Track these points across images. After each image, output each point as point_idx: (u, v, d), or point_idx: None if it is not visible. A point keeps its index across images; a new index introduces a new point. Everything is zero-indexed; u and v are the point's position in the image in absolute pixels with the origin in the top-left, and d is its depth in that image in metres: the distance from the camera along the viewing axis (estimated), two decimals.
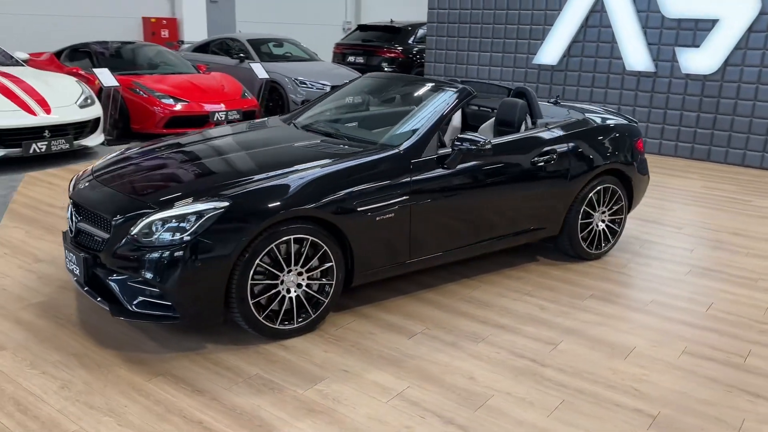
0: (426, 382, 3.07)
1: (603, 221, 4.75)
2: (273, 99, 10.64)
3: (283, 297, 3.33)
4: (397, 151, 3.75)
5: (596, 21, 9.19)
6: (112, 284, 3.19)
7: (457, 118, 4.82)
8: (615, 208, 4.76)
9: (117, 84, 8.34)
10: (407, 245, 3.74)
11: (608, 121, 4.83)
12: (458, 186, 3.89)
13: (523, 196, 4.23)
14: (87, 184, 3.64)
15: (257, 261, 3.15)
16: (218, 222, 3.08)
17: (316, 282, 3.42)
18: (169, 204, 3.18)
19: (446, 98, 4.14)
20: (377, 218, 3.54)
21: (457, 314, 3.82)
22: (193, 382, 3.00)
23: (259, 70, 10.41)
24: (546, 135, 4.39)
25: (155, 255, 3.04)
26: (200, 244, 3.04)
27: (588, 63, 9.40)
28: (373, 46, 13.08)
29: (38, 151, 6.85)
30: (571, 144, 4.44)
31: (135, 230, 3.12)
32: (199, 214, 3.09)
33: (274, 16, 17.16)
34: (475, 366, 3.24)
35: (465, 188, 3.93)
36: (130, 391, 2.90)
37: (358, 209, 3.46)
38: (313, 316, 3.44)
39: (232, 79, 9.72)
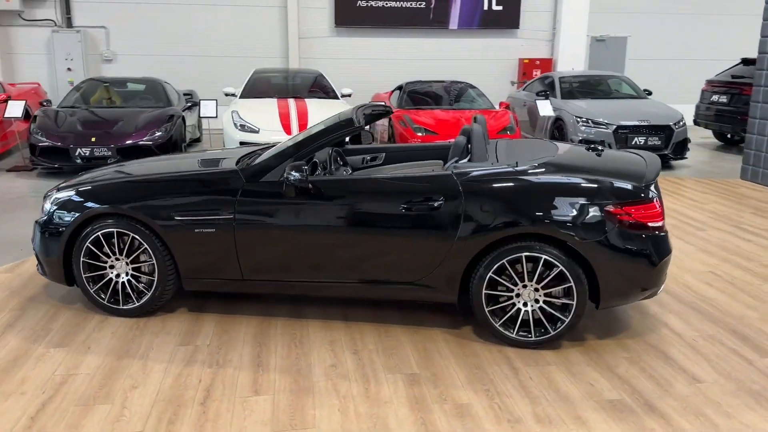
0: None
1: (536, 300, 3.67)
2: (561, 137, 10.27)
3: (119, 282, 4.07)
4: (234, 170, 3.97)
5: None
6: None
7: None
8: (560, 287, 3.62)
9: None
10: (236, 263, 3.92)
11: (565, 178, 3.67)
12: (297, 215, 3.82)
13: (384, 242, 3.76)
14: None
15: (87, 244, 4.00)
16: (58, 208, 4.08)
17: (143, 275, 4.03)
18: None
19: (324, 127, 4.04)
20: (195, 230, 3.90)
21: None
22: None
23: (544, 107, 10.24)
24: (439, 180, 3.74)
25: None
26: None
27: None
28: (744, 84, 10.92)
29: None
30: (470, 194, 3.65)
31: None
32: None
33: (665, 52, 15.69)
34: None
35: (307, 219, 3.81)
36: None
37: (176, 217, 3.90)
38: (143, 300, 4.05)
39: (508, 116, 9.89)
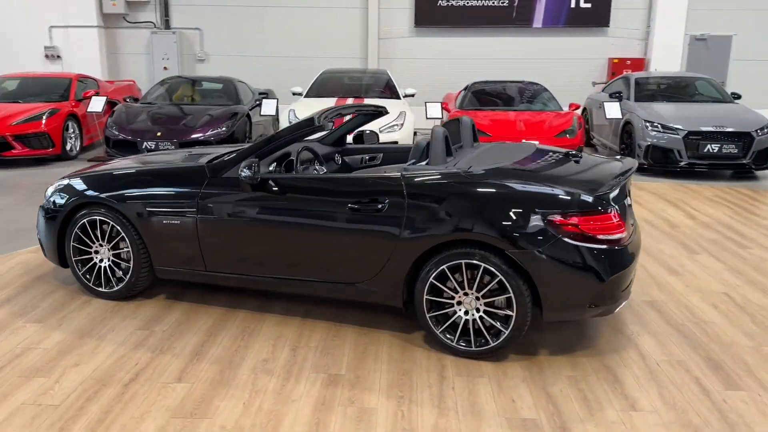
0: None
1: (477, 309, 3.54)
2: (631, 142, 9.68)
3: (96, 265, 4.37)
4: (201, 165, 4.14)
5: None
6: None
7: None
8: (502, 298, 3.47)
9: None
10: (200, 255, 4.09)
11: (510, 185, 3.50)
12: (251, 211, 3.92)
13: (331, 241, 3.77)
14: None
15: (75, 230, 4.33)
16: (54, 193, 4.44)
17: (123, 261, 4.31)
18: None
19: (287, 126, 4.10)
20: (164, 221, 4.11)
21: None
22: None
23: (611, 109, 9.73)
24: (386, 181, 3.69)
25: None
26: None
27: None
28: None
29: None
30: (412, 197, 3.59)
31: None
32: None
33: None
34: None
35: (261, 215, 3.91)
36: None
37: (147, 209, 4.13)
38: (120, 286, 4.32)
39: (570, 119, 9.48)
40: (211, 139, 9.24)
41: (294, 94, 10.98)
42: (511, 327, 3.47)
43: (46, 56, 14.52)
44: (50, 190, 4.54)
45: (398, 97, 10.56)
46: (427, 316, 3.64)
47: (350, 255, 3.75)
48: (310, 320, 4.09)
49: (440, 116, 9.78)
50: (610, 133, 10.50)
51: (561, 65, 14.45)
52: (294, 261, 3.90)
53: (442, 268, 3.54)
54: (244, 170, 3.86)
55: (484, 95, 10.81)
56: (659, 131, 9.08)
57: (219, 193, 4.02)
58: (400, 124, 9.26)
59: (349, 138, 5.49)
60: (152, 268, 4.28)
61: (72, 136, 10.09)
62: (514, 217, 3.41)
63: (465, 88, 11.13)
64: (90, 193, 4.28)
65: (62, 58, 14.57)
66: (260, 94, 11.85)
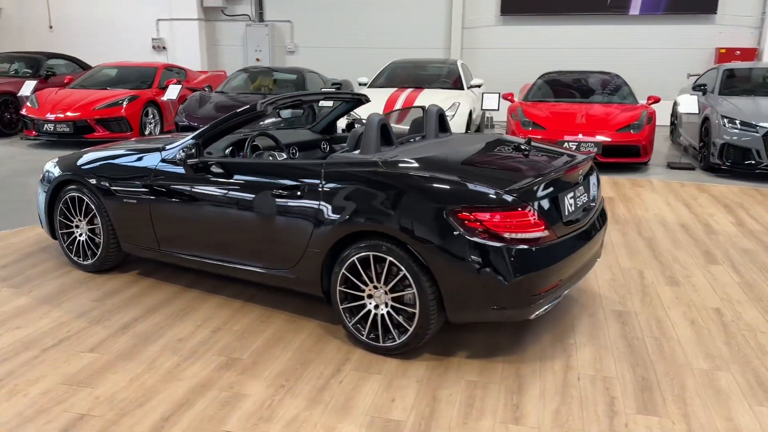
0: None
1: (387, 304, 3.41)
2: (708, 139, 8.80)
3: (76, 239, 4.68)
4: (158, 148, 4.29)
5: None
6: None
7: None
8: (409, 293, 3.32)
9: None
10: (151, 234, 4.26)
11: (419, 174, 3.32)
12: (191, 194, 4.02)
13: (258, 227, 3.77)
14: None
15: (60, 205, 4.67)
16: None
17: (96, 236, 4.59)
18: None
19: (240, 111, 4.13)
20: (124, 200, 4.32)
21: None
22: None
23: (687, 103, 8.90)
24: (309, 168, 3.64)
25: None
26: None
27: None
28: None
29: None
30: (327, 185, 3.51)
31: None
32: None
33: None
34: None
35: (198, 198, 4.00)
36: None
37: (112, 187, 4.37)
38: (94, 259, 4.61)
39: (639, 113, 8.79)
40: None
41: (360, 84, 11.06)
42: (414, 325, 3.30)
43: (153, 47, 15.67)
44: (47, 165, 4.92)
45: (461, 88, 10.32)
46: (341, 307, 3.55)
47: (275, 241, 3.74)
48: (250, 305, 4.13)
49: (496, 107, 9.43)
50: (690, 129, 9.61)
51: (660, 56, 13.41)
52: (228, 245, 3.95)
53: (353, 259, 3.44)
54: (180, 152, 3.97)
55: (556, 86, 10.29)
56: (737, 128, 8.17)
57: (166, 176, 4.15)
58: (451, 115, 9.04)
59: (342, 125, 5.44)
60: (119, 244, 4.51)
61: (151, 121, 10.83)
62: (418, 210, 3.23)
63: (540, 77, 10.66)
64: (70, 171, 4.59)
65: (167, 49, 15.64)
66: (333, 84, 12.05)
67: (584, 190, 3.78)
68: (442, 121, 4.48)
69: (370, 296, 3.46)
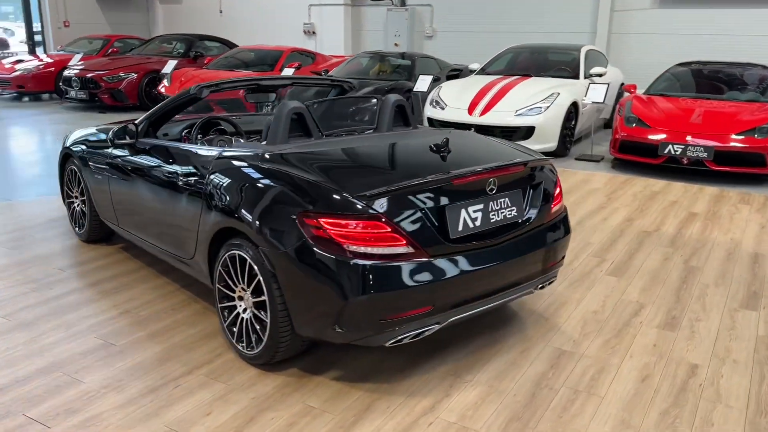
0: None
1: (247, 308, 3.15)
2: None
3: (76, 211, 4.99)
4: (122, 126, 4.37)
5: None
6: None
7: None
8: (261, 298, 3.03)
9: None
10: (112, 211, 4.39)
11: (277, 171, 3.00)
12: (129, 173, 4.06)
13: (167, 214, 3.70)
14: None
15: (65, 176, 5.00)
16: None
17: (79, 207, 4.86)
18: None
19: (177, 96, 4.04)
20: (96, 176, 4.50)
21: None
22: None
23: None
24: (206, 156, 3.46)
25: None
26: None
27: None
28: None
29: None
30: (211, 176, 3.32)
31: None
32: None
33: None
34: None
35: (133, 178, 4.02)
36: None
37: (90, 163, 4.56)
38: (84, 229, 4.87)
39: (767, 116, 7.29)
40: None
41: (470, 70, 10.51)
42: (267, 335, 3.00)
43: (304, 32, 16.30)
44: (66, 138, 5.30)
45: (577, 77, 9.33)
46: (218, 306, 3.35)
47: (179, 230, 3.63)
48: (182, 290, 4.08)
49: (602, 100, 8.36)
50: None
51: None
52: (153, 228, 3.93)
53: (225, 257, 3.22)
54: (119, 132, 4.01)
55: (689, 78, 8.91)
56: None
57: (113, 155, 4.24)
58: (545, 107, 8.21)
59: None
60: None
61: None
62: (272, 210, 2.91)
63: (672, 68, 9.31)
64: (67, 144, 4.88)
65: (317, 34, 16.19)
66: (452, 71, 11.60)
67: (510, 202, 3.15)
68: (403, 114, 4.03)
69: (240, 298, 3.21)
